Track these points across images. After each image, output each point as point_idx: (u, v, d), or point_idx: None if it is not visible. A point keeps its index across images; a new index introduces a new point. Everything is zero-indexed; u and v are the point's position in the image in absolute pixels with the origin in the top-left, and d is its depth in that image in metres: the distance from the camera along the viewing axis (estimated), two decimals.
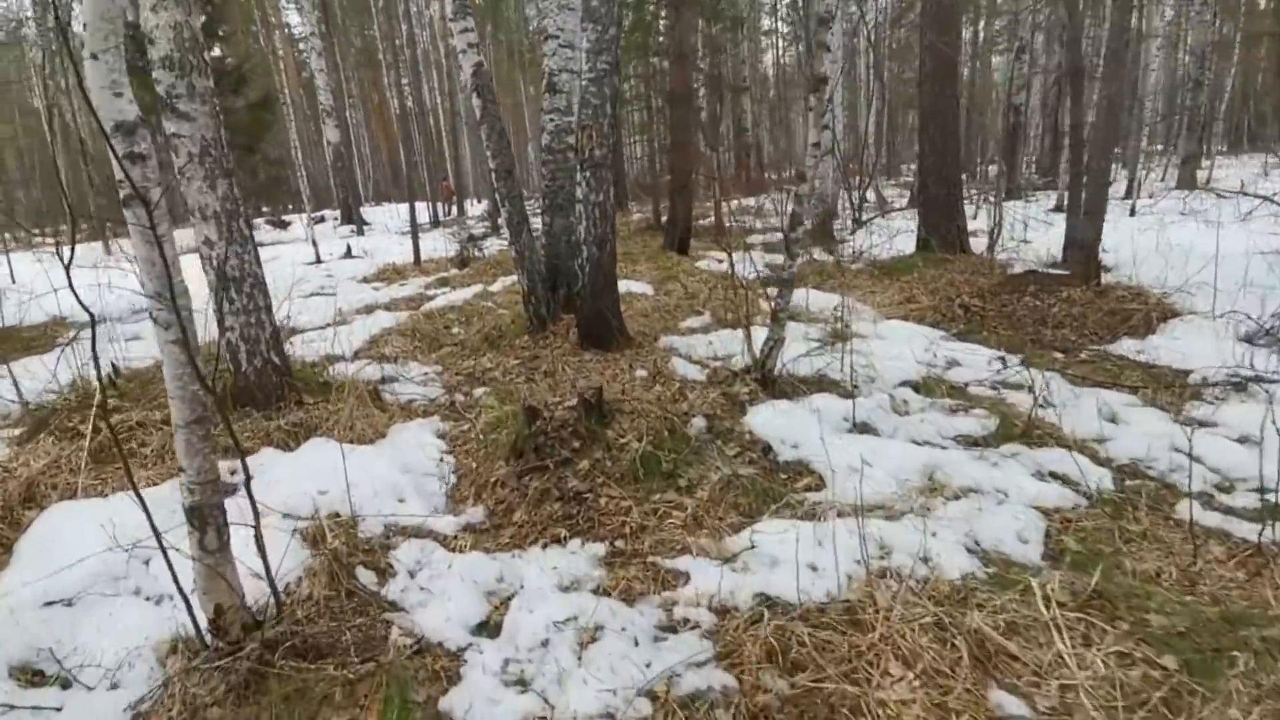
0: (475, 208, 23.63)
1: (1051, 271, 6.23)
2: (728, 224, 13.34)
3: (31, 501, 3.07)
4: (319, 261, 11.66)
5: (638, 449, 3.15)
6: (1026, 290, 6.01)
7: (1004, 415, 3.82)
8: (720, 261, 9.98)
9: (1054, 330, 5.39)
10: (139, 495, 1.88)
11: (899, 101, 24.64)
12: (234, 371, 3.74)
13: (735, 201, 17.81)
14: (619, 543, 2.73)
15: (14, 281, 11.60)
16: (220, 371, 3.92)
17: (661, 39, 13.99)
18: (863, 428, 3.78)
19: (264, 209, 22.90)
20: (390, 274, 10.20)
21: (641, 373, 4.67)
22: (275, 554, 2.47)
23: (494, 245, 12.24)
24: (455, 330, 6.41)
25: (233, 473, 3.31)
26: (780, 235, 11.61)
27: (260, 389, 3.73)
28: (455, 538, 2.81)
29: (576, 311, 5.11)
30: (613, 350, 5.01)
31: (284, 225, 18.98)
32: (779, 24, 32.51)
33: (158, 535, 1.92)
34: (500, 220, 16.29)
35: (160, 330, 1.75)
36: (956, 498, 3.01)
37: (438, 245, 12.72)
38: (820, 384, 4.53)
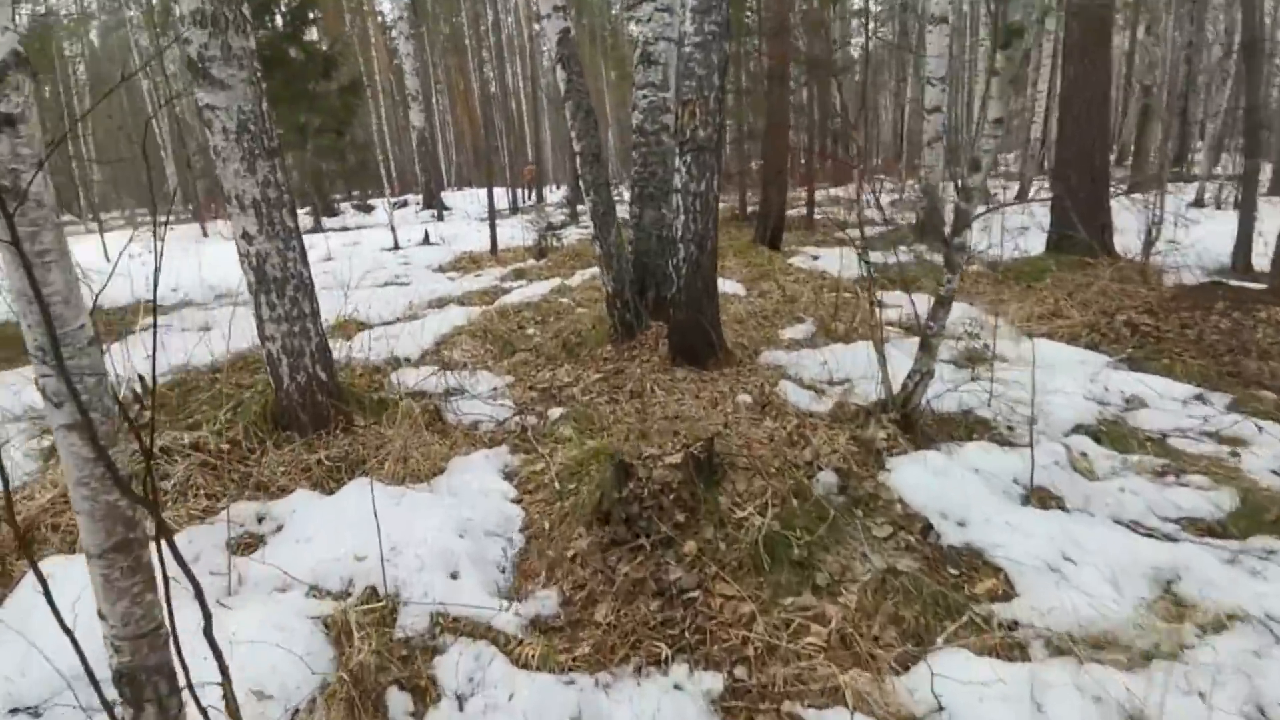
0: (554, 194, 23.15)
1: (1246, 285, 5.02)
2: (819, 216, 12.27)
3: (28, 548, 2.55)
4: (397, 248, 11.30)
5: (760, 526, 2.35)
6: (1213, 307, 4.85)
7: (1242, 488, 2.82)
8: (816, 258, 8.98)
9: (1260, 362, 4.24)
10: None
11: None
12: (275, 388, 3.15)
13: (827, 191, 16.54)
14: (739, 670, 1.95)
15: (108, 260, 11.76)
16: (258, 390, 3.35)
17: (751, 14, 12.91)
18: (1042, 497, 2.86)
19: (352, 193, 23.14)
20: (466, 263, 9.69)
21: (745, 398, 3.86)
22: (288, 652, 1.83)
23: (573, 234, 11.60)
24: (531, 332, 5.74)
25: (260, 519, 2.73)
26: (876, 229, 10.32)
27: (305, 409, 3.13)
28: (521, 642, 2.09)
29: (668, 319, 4.34)
30: (709, 367, 4.22)
31: (369, 209, 18.97)
32: (870, 3, 30.52)
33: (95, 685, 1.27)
34: (580, 209, 15.64)
35: (50, 407, 1.07)
36: (1216, 629, 2.08)
37: (515, 233, 12.18)
38: (968, 425, 3.61)
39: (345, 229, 15.55)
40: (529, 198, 21.59)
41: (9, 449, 3.34)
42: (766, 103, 8.91)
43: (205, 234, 15.35)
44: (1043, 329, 5.38)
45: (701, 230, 4.02)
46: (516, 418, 3.79)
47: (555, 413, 3.88)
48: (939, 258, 8.62)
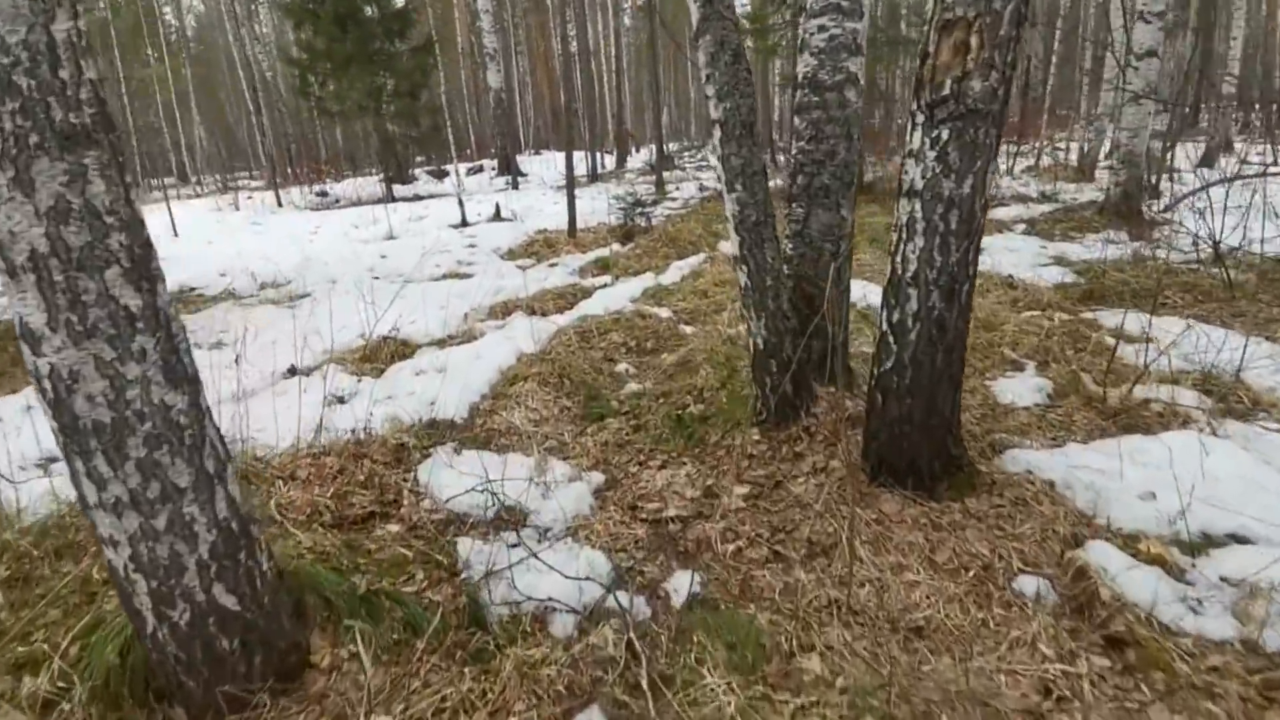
0: (635, 157, 21.08)
1: None
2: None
3: None
4: (465, 224, 9.69)
5: None
6: None
7: None
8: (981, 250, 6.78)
9: None
10: None
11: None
12: (138, 637, 1.50)
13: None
14: None
15: (176, 235, 10.67)
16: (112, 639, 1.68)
17: None
18: None
19: (430, 157, 21.75)
20: (540, 246, 7.97)
21: (1035, 585, 2.00)
22: None
23: (662, 211, 9.68)
24: (623, 370, 3.97)
25: None
26: (1041, 208, 7.88)
27: (193, 667, 1.47)
28: None
29: (869, 404, 2.46)
30: (939, 494, 2.35)
31: (444, 175, 17.50)
32: None
33: None
34: (668, 178, 13.60)
35: None
36: None
37: (596, 206, 10.35)
38: None
39: (418, 197, 14.11)
40: (606, 163, 19.63)
41: None
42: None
43: (280, 204, 14.21)
44: None
45: (954, 266, 2.10)
46: (612, 600, 2.05)
47: (681, 587, 2.12)
48: (1161, 253, 6.29)
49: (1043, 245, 6.83)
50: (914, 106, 2.07)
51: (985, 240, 7.24)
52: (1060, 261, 6.22)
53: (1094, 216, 7.87)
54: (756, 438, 2.78)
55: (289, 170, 17.89)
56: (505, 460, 2.88)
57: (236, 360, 4.03)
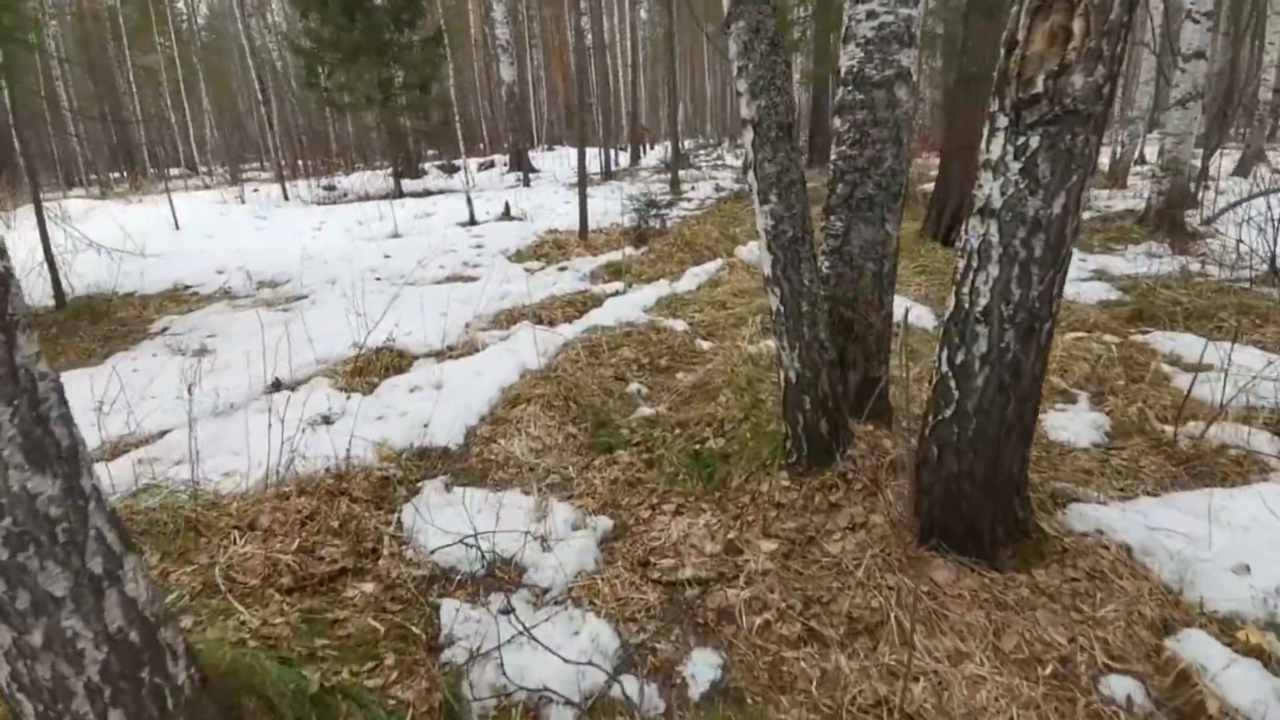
0: (648, 155, 20.72)
1: None
2: None
3: None
4: (473, 222, 9.38)
5: None
6: None
7: None
8: None
9: None
10: None
11: None
12: None
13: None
14: None
15: (177, 228, 10.42)
16: None
17: None
18: None
19: (440, 152, 21.45)
20: (549, 248, 7.64)
21: (1123, 685, 1.66)
22: None
23: (677, 212, 9.32)
24: (635, 390, 3.65)
25: None
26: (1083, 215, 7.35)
27: None
28: None
29: (920, 455, 2.11)
30: (1002, 561, 2.01)
31: (454, 170, 17.21)
32: None
33: None
34: (684, 178, 13.19)
35: None
36: None
37: (609, 206, 10.02)
38: None
39: (427, 193, 13.83)
40: (620, 160, 19.28)
41: None
42: (963, 42, 6.23)
43: (286, 197, 13.96)
44: None
45: (1035, 301, 1.76)
46: (618, 689, 1.72)
47: (700, 672, 1.79)
48: (1212, 269, 5.88)
49: (1081, 258, 6.43)
50: (994, 108, 1.72)
51: None
52: (1102, 276, 5.83)
53: (1133, 226, 7.45)
54: (786, 483, 2.44)
55: (298, 163, 17.65)
56: (502, 500, 2.57)
57: (192, 385, 3.73)
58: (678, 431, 2.99)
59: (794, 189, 2.28)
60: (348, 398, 3.57)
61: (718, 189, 11.88)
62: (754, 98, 2.24)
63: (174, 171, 25.33)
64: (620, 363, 4.02)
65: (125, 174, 22.19)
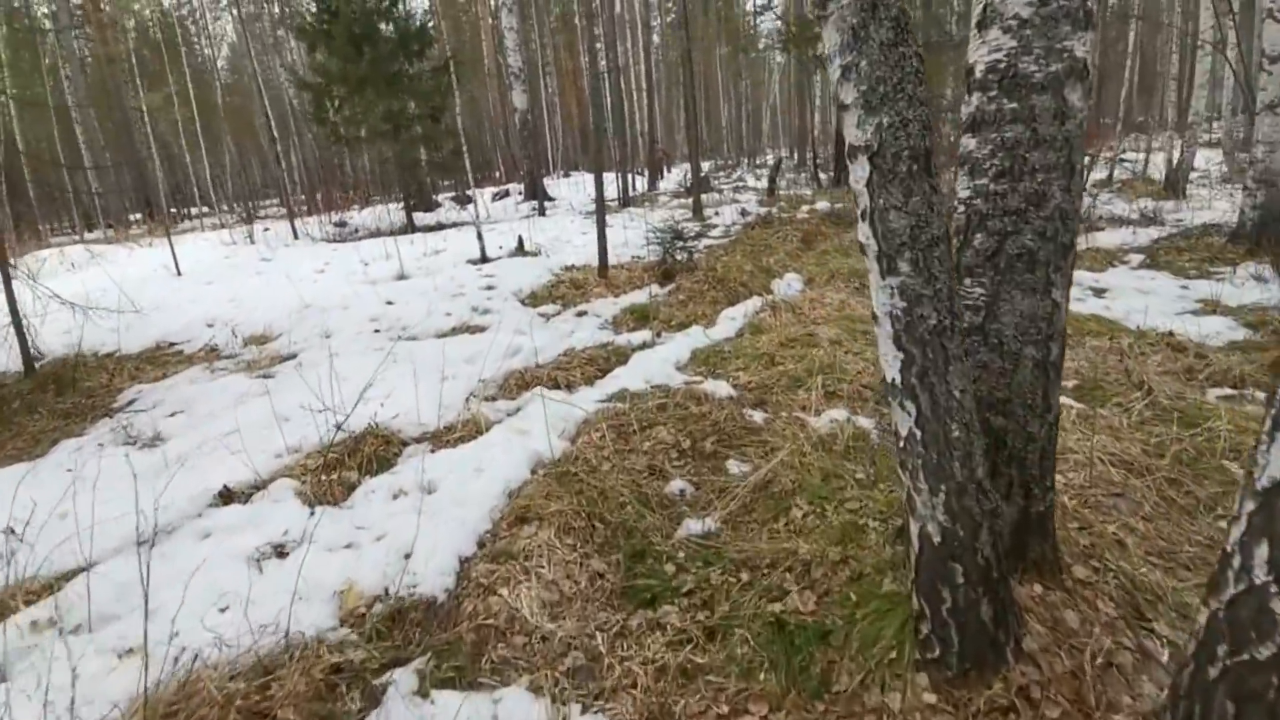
0: (667, 178, 20.05)
1: None
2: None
3: None
4: (484, 259, 8.67)
5: None
6: None
7: None
8: (1101, 292, 5.46)
9: None
10: None
11: None
12: None
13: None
14: None
15: (179, 273, 9.86)
16: None
17: None
18: None
19: (451, 183, 20.99)
20: (566, 288, 6.88)
21: None
22: None
23: (704, 242, 8.52)
24: (680, 499, 2.81)
25: None
26: (1147, 232, 6.52)
27: None
28: None
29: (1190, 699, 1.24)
30: None
31: (467, 201, 16.65)
32: None
33: None
34: (706, 204, 12.33)
35: None
36: None
37: (629, 236, 9.29)
38: None
39: (440, 226, 13.21)
40: (638, 185, 18.61)
41: None
42: None
43: (295, 235, 13.45)
44: None
45: None
46: None
47: None
48: None
49: (1183, 286, 5.49)
50: None
51: (1101, 275, 5.81)
52: (1215, 308, 4.90)
53: (1224, 246, 6.50)
54: (930, 697, 1.58)
55: (315, 198, 17.23)
56: (499, 704, 1.75)
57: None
58: (744, 577, 2.14)
59: (935, 252, 1.46)
60: (311, 513, 2.78)
61: (743, 214, 11.08)
62: (870, 113, 1.42)
63: (194, 211, 25.23)
64: (655, 447, 3.19)
65: (143, 216, 22.04)
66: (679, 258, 7.10)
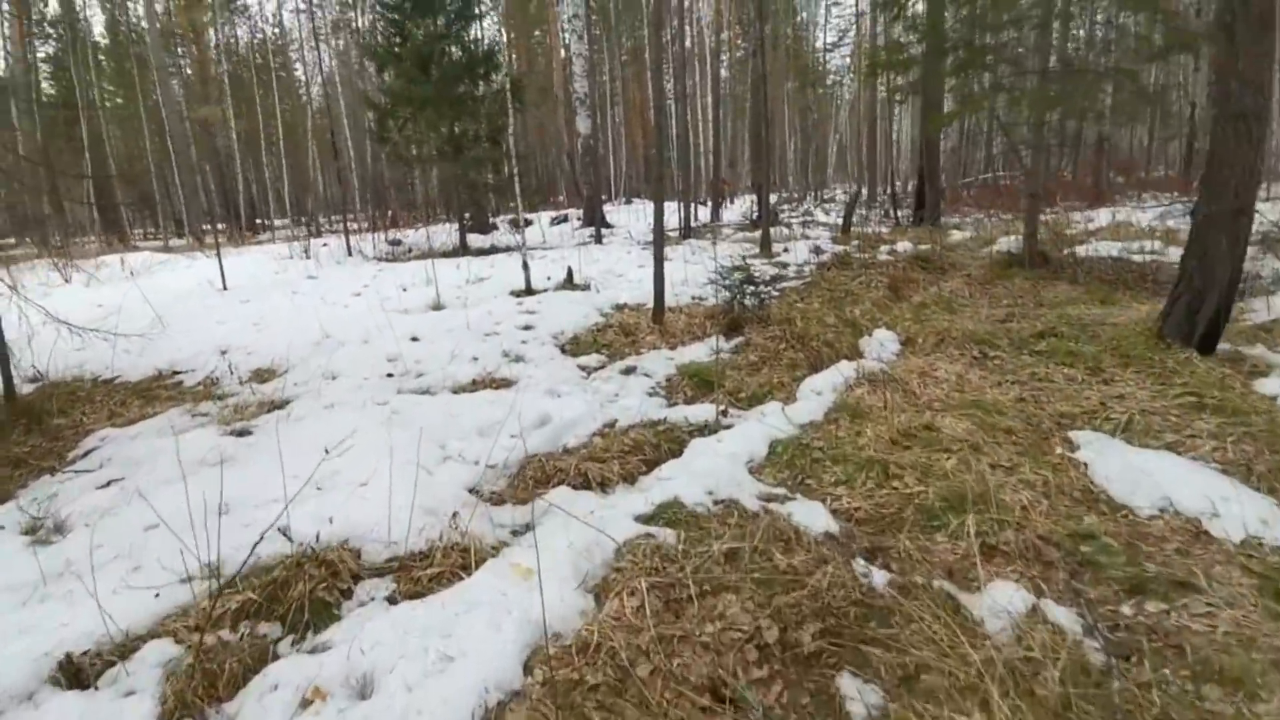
0: (730, 210, 18.87)
1: None
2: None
3: None
4: (529, 292, 7.66)
5: None
6: None
7: None
8: None
9: None
10: None
11: None
12: None
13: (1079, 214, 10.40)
14: None
15: (224, 288, 9.24)
16: None
17: None
18: None
19: (512, 206, 20.34)
20: (614, 334, 5.73)
21: None
22: None
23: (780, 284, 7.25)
24: None
25: None
26: None
27: None
28: None
29: None
30: None
31: (525, 224, 15.87)
32: None
33: None
34: (777, 240, 11.04)
35: None
36: None
37: (690, 273, 8.12)
38: None
39: (494, 249, 12.39)
40: (700, 215, 17.47)
41: None
42: (1223, 67, 3.97)
43: (349, 253, 12.85)
44: None
45: None
46: None
47: None
48: None
49: None
50: None
51: None
52: None
53: None
54: None
55: (387, 213, 16.81)
56: None
57: None
58: None
59: None
60: None
61: (816, 252, 9.77)
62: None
63: (277, 223, 25.49)
64: (721, 635, 1.96)
65: (225, 226, 22.26)
66: (748, 303, 5.86)
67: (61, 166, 13.78)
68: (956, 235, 11.37)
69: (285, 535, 2.56)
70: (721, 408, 3.76)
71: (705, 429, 3.55)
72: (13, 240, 16.37)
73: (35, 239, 13.52)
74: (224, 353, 5.88)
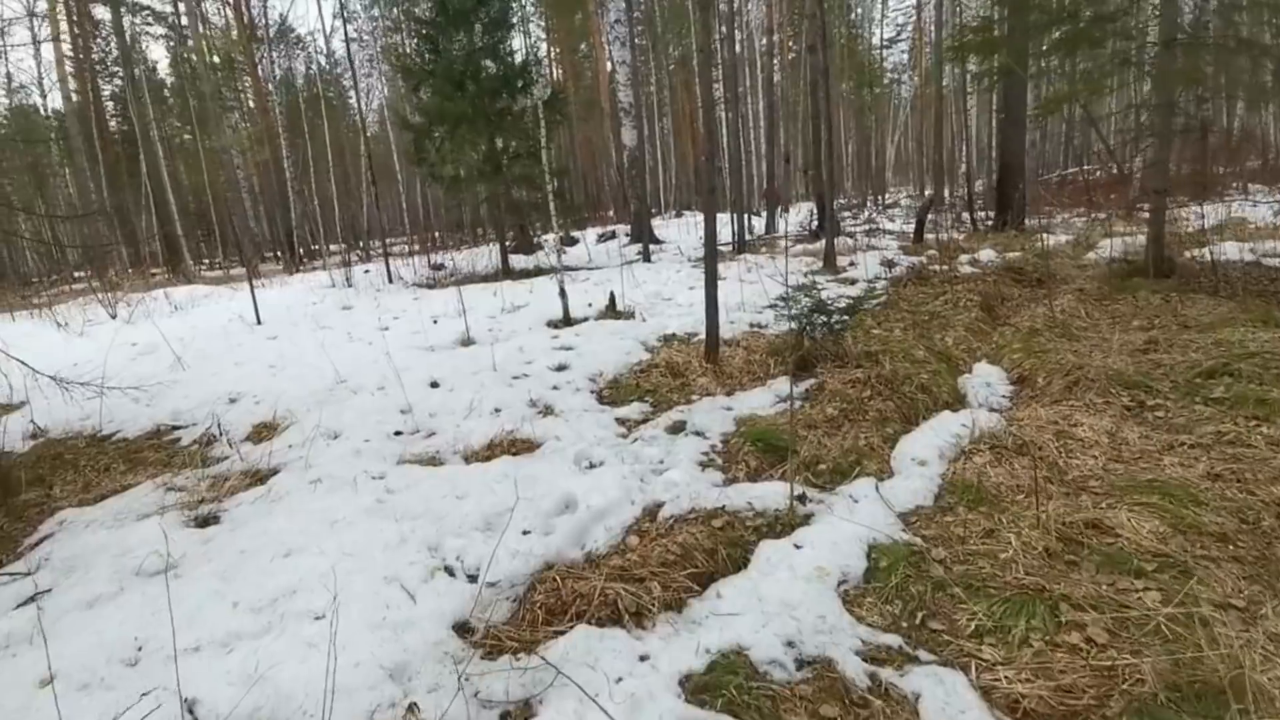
0: (785, 219, 17.79)
1: None
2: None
3: None
4: (566, 322, 6.93)
5: None
6: None
7: None
8: None
9: None
10: None
11: None
12: None
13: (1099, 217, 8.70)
14: None
15: (259, 321, 8.91)
16: None
17: None
18: None
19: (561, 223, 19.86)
20: (660, 375, 4.90)
21: None
22: None
23: (842, 299, 6.28)
24: None
25: None
26: None
27: None
28: None
29: None
30: None
31: (572, 243, 15.30)
32: None
33: None
34: (843, 252, 9.85)
35: None
36: None
37: (746, 295, 7.23)
38: None
39: (538, 271, 11.80)
40: (755, 225, 16.51)
41: None
42: None
43: (390, 279, 12.50)
44: None
45: None
46: None
47: None
48: None
49: None
50: None
51: None
52: None
53: None
54: None
55: (433, 237, 16.58)
56: None
57: None
58: None
59: None
60: None
61: (888, 265, 8.70)
62: None
63: (332, 248, 25.92)
64: None
65: (281, 253, 22.69)
66: (817, 335, 4.94)
67: (117, 202, 14.03)
68: (1048, 240, 10.06)
69: (190, 712, 1.83)
70: (799, 492, 2.86)
71: (777, 524, 2.67)
72: (80, 274, 16.94)
73: (94, 272, 13.81)
74: (232, 401, 5.35)
